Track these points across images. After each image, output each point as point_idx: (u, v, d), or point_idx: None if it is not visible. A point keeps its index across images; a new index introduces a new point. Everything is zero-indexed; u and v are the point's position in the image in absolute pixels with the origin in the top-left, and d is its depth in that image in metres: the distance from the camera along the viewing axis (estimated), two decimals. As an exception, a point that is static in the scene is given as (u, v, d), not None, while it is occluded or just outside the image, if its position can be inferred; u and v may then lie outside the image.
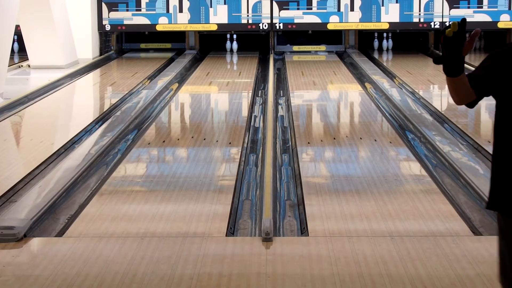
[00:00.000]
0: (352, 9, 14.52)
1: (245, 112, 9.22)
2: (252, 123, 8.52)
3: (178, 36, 15.29)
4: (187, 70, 12.82)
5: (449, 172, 6.13)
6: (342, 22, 14.53)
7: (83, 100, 10.79)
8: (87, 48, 13.96)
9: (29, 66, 13.03)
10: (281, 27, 14.53)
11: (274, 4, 14.48)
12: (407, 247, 4.36)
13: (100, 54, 14.45)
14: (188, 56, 14.28)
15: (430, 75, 11.85)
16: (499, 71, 2.68)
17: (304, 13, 14.51)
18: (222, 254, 4.31)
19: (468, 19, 15.02)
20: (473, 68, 12.84)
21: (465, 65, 2.67)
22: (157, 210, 5.20)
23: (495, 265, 4.12)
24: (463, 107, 2.83)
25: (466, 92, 2.73)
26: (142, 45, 15.44)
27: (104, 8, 14.46)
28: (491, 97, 2.79)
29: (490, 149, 6.89)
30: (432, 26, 14.47)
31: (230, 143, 7.33)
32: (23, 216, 4.90)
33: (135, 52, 15.26)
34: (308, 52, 15.11)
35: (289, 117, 8.67)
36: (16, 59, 14.22)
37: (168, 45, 15.43)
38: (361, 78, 11.76)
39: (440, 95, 10.48)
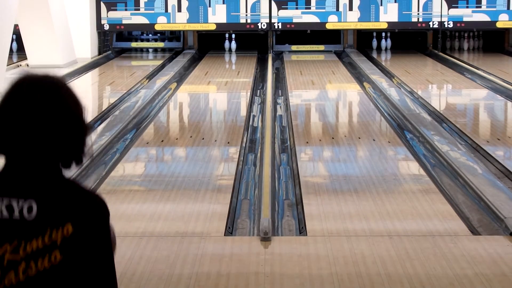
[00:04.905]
0: (350, 9, 14.51)
1: (243, 111, 9.22)
2: (250, 123, 8.52)
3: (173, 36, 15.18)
4: (185, 70, 12.81)
5: (448, 172, 6.13)
6: (341, 22, 14.53)
7: (82, 100, 10.77)
8: (85, 47, 13.94)
9: (27, 65, 13.02)
10: (280, 27, 14.52)
11: (273, 3, 14.47)
12: (406, 246, 4.36)
13: (99, 54, 14.44)
14: (187, 56, 14.27)
15: (429, 75, 11.84)
16: None
17: (302, 13, 14.50)
18: (220, 254, 4.30)
19: (466, 19, 14.93)
20: (471, 68, 12.76)
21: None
22: (155, 209, 5.20)
23: (493, 264, 4.13)
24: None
25: None
26: (134, 44, 15.28)
27: (103, 7, 14.44)
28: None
29: (488, 148, 6.90)
30: (431, 26, 14.47)
31: (228, 143, 7.32)
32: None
33: (130, 52, 15.18)
34: (307, 51, 15.09)
35: (288, 117, 8.66)
36: (14, 59, 14.21)
37: (161, 44, 15.27)
38: (360, 77, 11.75)
39: (438, 95, 10.46)
